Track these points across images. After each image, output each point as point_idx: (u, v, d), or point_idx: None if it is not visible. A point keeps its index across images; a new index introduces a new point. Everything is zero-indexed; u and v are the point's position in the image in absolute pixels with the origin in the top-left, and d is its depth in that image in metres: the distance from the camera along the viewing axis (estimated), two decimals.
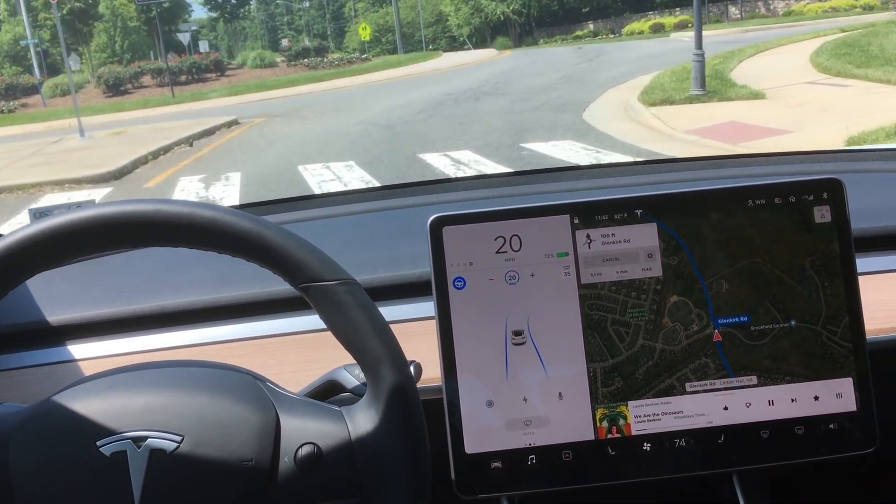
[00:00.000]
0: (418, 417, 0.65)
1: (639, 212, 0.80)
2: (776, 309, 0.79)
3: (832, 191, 0.80)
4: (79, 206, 0.65)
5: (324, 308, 0.64)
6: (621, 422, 0.79)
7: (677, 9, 39.65)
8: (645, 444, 0.79)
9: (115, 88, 25.09)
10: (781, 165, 1.39)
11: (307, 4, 73.46)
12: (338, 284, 0.64)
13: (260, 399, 0.66)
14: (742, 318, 0.80)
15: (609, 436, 0.79)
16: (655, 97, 10.56)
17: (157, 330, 0.95)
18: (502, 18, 43.19)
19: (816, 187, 0.80)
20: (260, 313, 0.96)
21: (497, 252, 0.80)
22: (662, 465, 0.78)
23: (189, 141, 11.63)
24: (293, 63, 28.59)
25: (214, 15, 50.78)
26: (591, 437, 0.79)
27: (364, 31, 38.51)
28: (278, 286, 0.90)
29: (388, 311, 0.69)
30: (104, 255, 1.07)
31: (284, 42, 32.26)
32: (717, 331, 0.79)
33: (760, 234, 0.79)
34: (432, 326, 0.79)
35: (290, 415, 0.66)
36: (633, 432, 0.79)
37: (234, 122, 13.56)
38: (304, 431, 0.65)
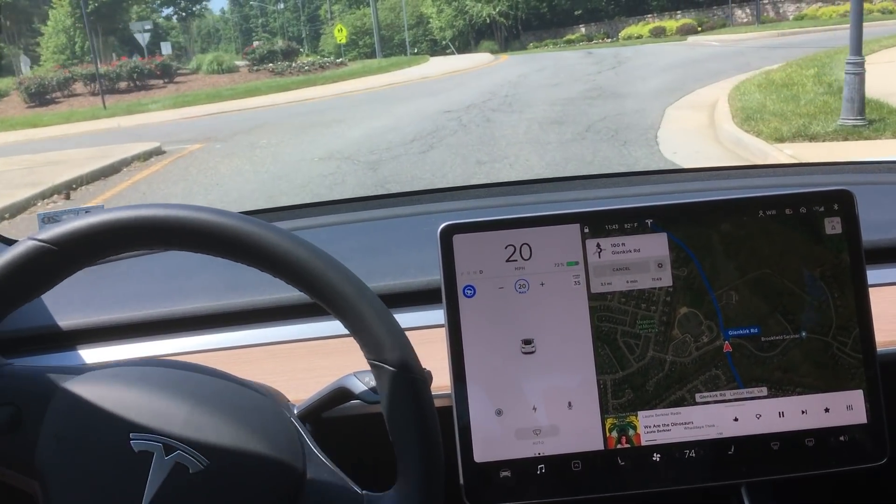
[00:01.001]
0: None
1: (649, 221, 0.80)
2: (786, 320, 0.80)
3: (843, 202, 0.81)
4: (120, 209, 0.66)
5: (385, 390, 0.64)
6: (631, 432, 0.79)
7: (678, 12, 38.40)
8: (655, 454, 0.79)
9: (39, 97, 20.37)
10: (791, 177, 1.41)
11: (282, 6, 68.78)
12: (408, 376, 0.64)
13: (293, 454, 0.67)
14: (752, 330, 0.81)
15: (619, 446, 0.79)
16: (775, 127, 7.37)
17: (167, 335, 0.95)
18: (488, 21, 39.07)
19: (827, 198, 0.81)
20: (269, 319, 0.97)
21: (507, 260, 0.80)
22: (672, 476, 0.79)
23: (67, 189, 8.12)
24: (256, 68, 23.77)
25: (168, 12, 45.62)
26: (601, 446, 0.79)
27: (340, 34, 35.61)
28: (287, 293, 0.90)
29: (398, 319, 0.70)
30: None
31: (257, 43, 27.20)
32: (727, 342, 0.80)
33: (770, 244, 0.80)
34: (441, 334, 0.80)
35: (315, 481, 0.66)
36: (643, 442, 0.79)
37: (156, 152, 10.29)
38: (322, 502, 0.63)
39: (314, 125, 11.22)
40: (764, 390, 0.80)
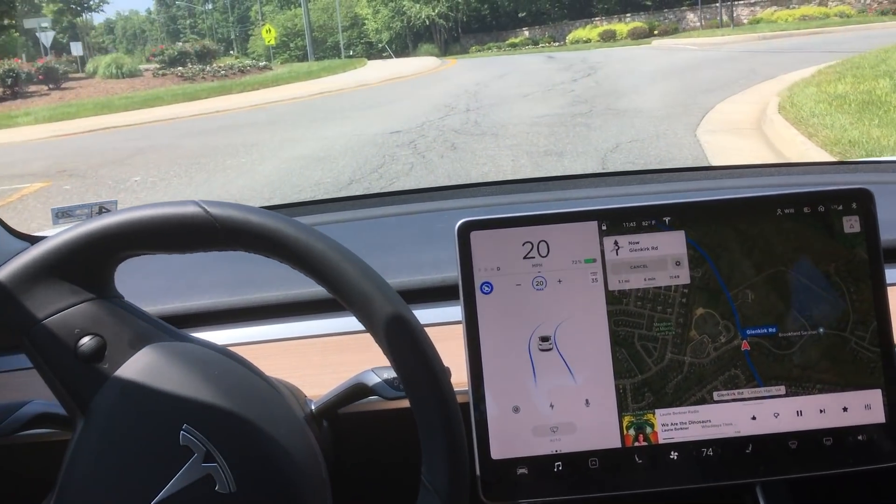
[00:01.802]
0: None
1: (667, 219, 0.81)
2: (803, 317, 0.81)
3: (861, 201, 0.81)
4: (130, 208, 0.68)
5: (425, 441, 0.64)
6: (648, 430, 0.80)
7: (626, 15, 37.32)
8: (672, 452, 0.80)
9: None
10: (808, 175, 1.42)
11: (210, 6, 64.60)
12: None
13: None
14: (769, 328, 0.81)
15: (636, 444, 0.80)
16: None
17: (184, 331, 0.92)
18: (426, 23, 35.58)
19: (845, 197, 0.82)
20: (284, 315, 0.97)
21: (525, 257, 0.81)
22: (689, 475, 0.80)
23: None
24: (163, 72, 19.89)
25: (57, 7, 41.28)
26: (618, 444, 0.80)
27: (268, 35, 33.32)
28: (302, 288, 0.92)
29: (417, 316, 0.71)
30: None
31: (183, 45, 23.20)
32: (745, 341, 0.80)
33: (783, 242, 0.81)
34: (458, 331, 0.80)
35: None
36: (661, 440, 0.80)
37: None
38: None
39: (215, 152, 8.37)
40: (782, 389, 0.80)
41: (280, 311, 0.98)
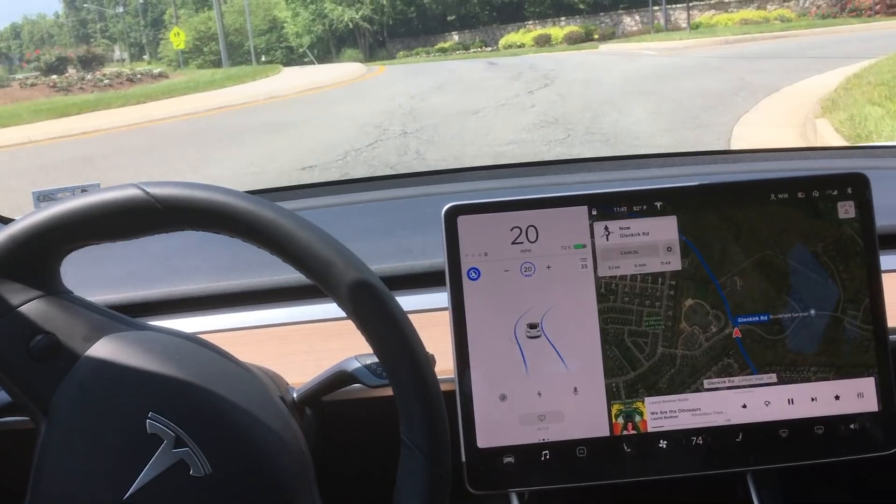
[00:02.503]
0: None
1: (658, 204, 0.80)
2: (793, 300, 0.80)
3: (856, 186, 0.81)
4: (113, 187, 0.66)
5: (404, 468, 0.64)
6: (637, 418, 0.80)
7: (561, 19, 35.66)
8: (661, 441, 0.80)
9: None
10: (802, 161, 1.39)
11: (121, 10, 60.40)
12: (435, 472, 0.64)
13: (293, 493, 0.67)
14: (760, 313, 0.80)
15: (625, 432, 0.80)
16: None
17: (164, 316, 0.95)
18: (350, 27, 32.59)
19: (840, 182, 0.81)
20: (269, 301, 0.96)
21: (513, 243, 0.80)
22: (678, 463, 0.80)
23: None
24: (32, 82, 16.50)
25: None
26: (607, 433, 0.80)
27: (177, 38, 29.44)
28: (287, 274, 0.91)
29: (401, 301, 0.71)
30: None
31: (65, 50, 19.50)
32: (736, 328, 0.80)
33: (769, 226, 0.80)
34: (445, 317, 0.79)
35: None
36: (650, 429, 0.80)
37: None
38: None
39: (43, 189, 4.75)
40: (773, 377, 0.80)
41: (264, 297, 0.97)
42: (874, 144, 1.54)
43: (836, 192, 0.81)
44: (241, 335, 0.92)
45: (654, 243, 0.80)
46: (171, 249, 1.12)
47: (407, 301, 0.85)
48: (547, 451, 0.79)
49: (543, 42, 30.03)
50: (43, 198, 0.93)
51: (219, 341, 0.79)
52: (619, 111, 8.48)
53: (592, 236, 0.80)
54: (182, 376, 0.66)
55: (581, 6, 33.19)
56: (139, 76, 19.30)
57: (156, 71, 20.51)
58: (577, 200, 0.80)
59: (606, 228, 0.80)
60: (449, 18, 36.24)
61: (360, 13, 36.46)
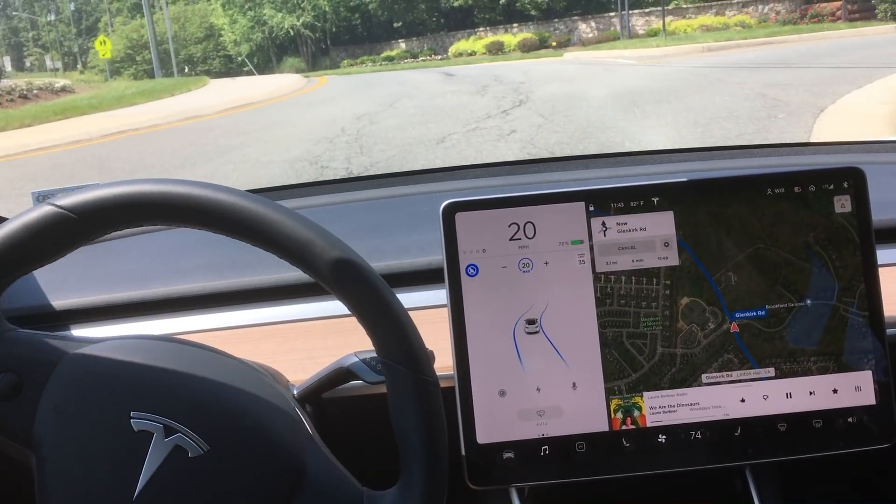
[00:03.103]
0: None
1: (655, 199, 0.81)
2: (789, 291, 0.81)
3: (853, 180, 0.82)
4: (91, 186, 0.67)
5: (393, 388, 0.65)
6: (636, 413, 0.81)
7: (513, 25, 33.99)
8: (660, 435, 0.81)
9: None
10: (799, 156, 1.39)
11: (53, 17, 57.04)
12: (419, 380, 0.64)
13: (295, 445, 0.67)
14: (757, 307, 0.81)
15: (623, 427, 0.81)
16: None
17: (163, 315, 0.95)
18: (291, 34, 30.01)
19: (837, 176, 0.82)
20: (268, 299, 0.96)
21: (511, 239, 0.80)
22: (677, 458, 0.81)
23: None
24: None
25: None
26: (606, 428, 0.81)
27: (103, 47, 29.61)
28: (286, 272, 0.92)
29: (400, 299, 0.72)
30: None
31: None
32: (733, 323, 0.81)
33: (759, 219, 0.81)
34: (444, 314, 0.80)
35: (315, 474, 0.66)
36: (649, 424, 0.81)
37: None
38: (320, 499, 0.66)
39: None
40: (772, 371, 0.81)
41: (264, 296, 0.97)
42: (870, 140, 1.40)
43: (832, 187, 0.82)
44: (241, 333, 0.93)
45: (652, 239, 0.81)
46: (167, 249, 1.12)
47: (406, 298, 0.85)
48: (546, 447, 0.80)
49: (496, 50, 28.59)
50: (42, 198, 0.89)
51: (218, 339, 0.80)
52: (630, 139, 6.46)
53: (590, 232, 0.81)
54: (151, 370, 0.66)
55: (533, 12, 31.32)
56: (36, 92, 16.38)
57: (58, 85, 17.60)
58: (574, 196, 0.81)
59: (604, 224, 0.81)
60: (395, 25, 34.44)
61: (301, 20, 34.21)
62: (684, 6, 29.23)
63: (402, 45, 34.14)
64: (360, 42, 35.71)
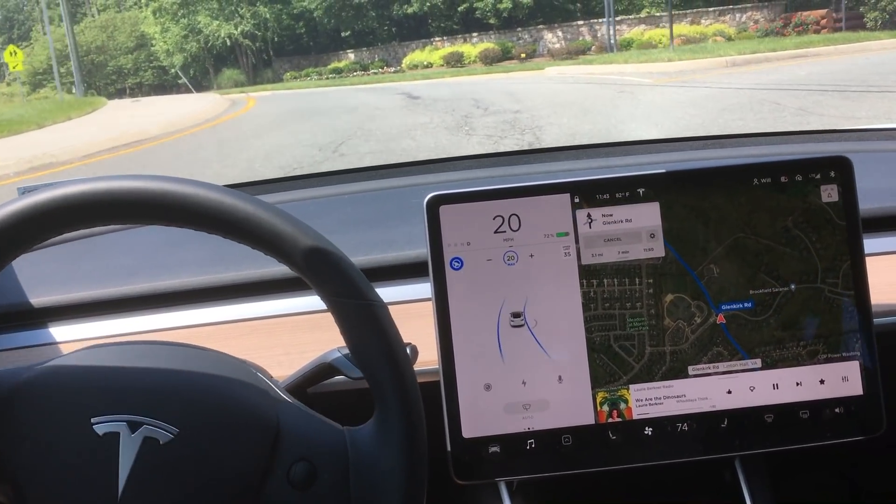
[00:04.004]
0: (422, 450, 0.66)
1: (641, 191, 0.82)
2: (772, 278, 0.82)
3: (840, 169, 0.83)
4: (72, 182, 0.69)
5: (345, 323, 0.65)
6: (622, 405, 0.81)
7: (473, 35, 30.82)
8: (646, 428, 0.81)
9: None
10: (786, 145, 1.36)
11: None
12: (365, 305, 0.64)
13: (261, 404, 0.68)
14: (742, 297, 0.82)
15: (610, 420, 0.81)
16: None
17: (147, 311, 0.95)
18: (228, 44, 26.07)
19: (824, 165, 0.83)
20: (252, 294, 0.96)
21: (495, 232, 0.81)
22: (664, 450, 0.82)
23: None
24: None
25: None
26: (592, 421, 0.81)
27: (13, 58, 24.74)
28: (271, 267, 0.93)
29: (384, 293, 0.73)
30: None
31: None
32: (720, 315, 0.82)
33: (736, 209, 0.82)
34: (429, 308, 0.81)
35: (291, 427, 0.67)
36: (635, 416, 0.81)
37: None
38: (301, 447, 0.66)
39: None
40: (758, 362, 0.82)
41: (249, 291, 0.97)
42: (858, 127, 1.36)
43: (818, 176, 0.82)
44: (226, 329, 0.93)
45: (637, 230, 0.81)
46: (151, 245, 1.12)
47: (391, 292, 0.89)
48: (532, 440, 0.80)
49: (454, 61, 26.04)
50: (28, 193, 0.90)
51: (203, 335, 0.82)
52: None
53: (575, 224, 0.81)
54: (103, 374, 0.66)
55: (492, 20, 28.04)
56: None
57: None
58: (559, 188, 0.81)
59: (589, 216, 0.81)
60: (343, 35, 31.59)
61: (239, 28, 30.87)
62: (657, 14, 26.40)
63: (351, 56, 31.88)
64: (306, 53, 33.61)
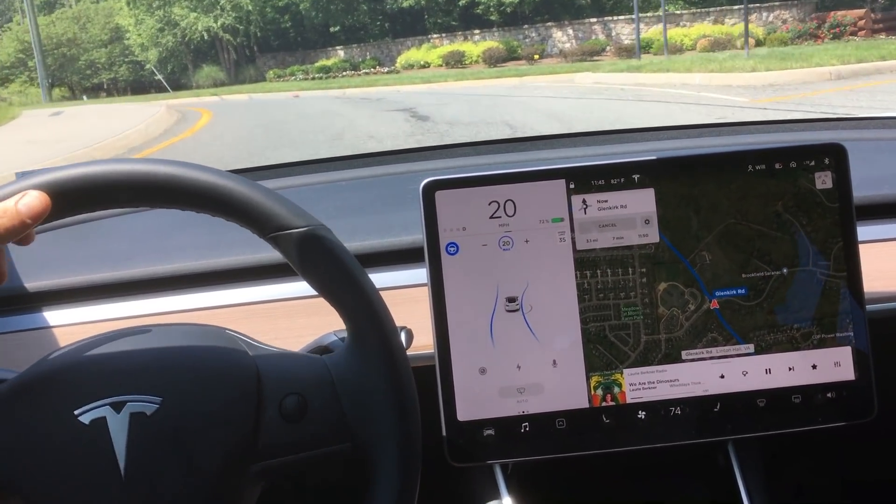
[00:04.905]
0: (401, 358, 0.67)
1: (636, 177, 0.82)
2: (764, 262, 0.83)
3: (834, 156, 0.83)
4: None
5: (295, 257, 0.65)
6: (616, 389, 0.83)
7: (475, 32, 27.48)
8: (640, 412, 0.83)
9: None
10: (782, 133, 1.34)
11: None
12: (307, 231, 0.64)
13: (237, 353, 0.69)
14: (735, 283, 0.83)
15: (603, 404, 0.83)
16: None
17: (143, 296, 0.95)
18: (206, 38, 22.78)
19: (818, 152, 0.83)
20: (250, 279, 0.96)
21: (491, 217, 0.82)
22: (657, 434, 0.83)
23: None
24: None
25: None
26: (586, 404, 0.83)
27: None
28: (268, 252, 0.93)
29: (381, 278, 0.76)
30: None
31: None
32: (713, 300, 0.83)
33: (727, 195, 0.84)
34: (425, 293, 0.82)
35: (271, 367, 0.68)
36: (628, 400, 0.83)
37: None
38: (286, 382, 0.67)
39: None
40: (751, 347, 0.84)
41: (248, 275, 0.97)
42: (852, 116, 1.52)
43: (813, 163, 0.83)
44: (223, 313, 0.93)
45: (632, 216, 0.82)
46: (150, 229, 1.13)
47: (387, 277, 0.89)
48: (527, 424, 0.82)
49: (455, 61, 23.05)
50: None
51: (199, 320, 0.84)
52: None
53: (570, 209, 0.82)
54: (71, 370, 0.66)
55: (493, 17, 25.06)
56: None
57: None
58: (554, 174, 0.82)
59: (584, 202, 0.82)
60: (332, 30, 28.64)
61: (219, 22, 27.55)
62: (677, 12, 23.54)
63: (341, 53, 29.77)
64: (293, 49, 30.85)
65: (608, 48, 24.81)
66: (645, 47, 23.96)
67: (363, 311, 0.64)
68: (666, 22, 22.38)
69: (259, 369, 0.66)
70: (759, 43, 21.86)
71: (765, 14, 25.17)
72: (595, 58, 23.12)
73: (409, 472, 0.65)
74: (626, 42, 25.08)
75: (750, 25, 23.35)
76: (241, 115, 13.80)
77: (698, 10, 25.65)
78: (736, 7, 25.36)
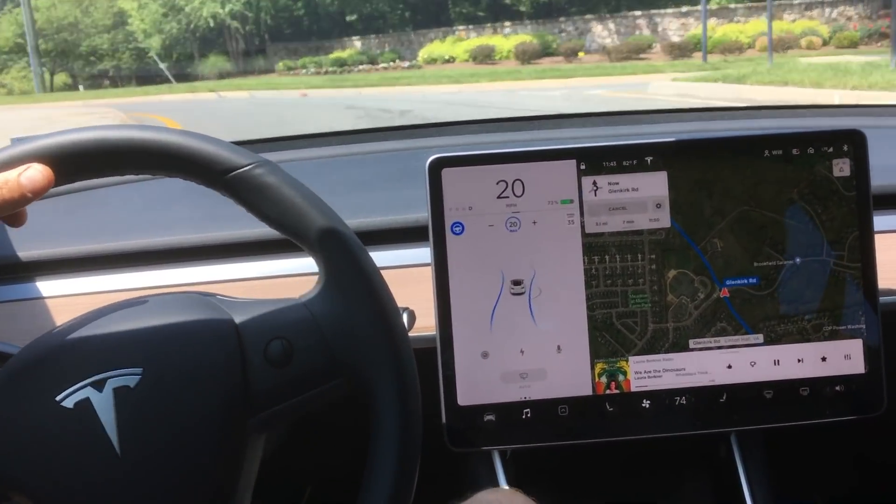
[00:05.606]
0: (377, 281, 0.66)
1: (649, 159, 0.81)
2: (777, 251, 0.82)
3: (853, 143, 0.82)
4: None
5: (250, 198, 0.63)
6: (620, 377, 0.83)
7: (505, 24, 24.56)
8: (644, 400, 0.83)
9: None
10: (797, 118, 1.34)
11: None
12: (254, 167, 0.62)
13: (210, 309, 0.68)
14: (746, 272, 0.83)
15: (608, 391, 0.83)
16: None
17: (139, 268, 0.95)
18: (212, 25, 19.87)
19: (837, 139, 0.82)
20: (248, 254, 0.96)
21: (498, 197, 0.81)
22: (661, 423, 0.84)
23: None
24: None
25: None
26: (589, 392, 0.83)
27: None
28: (267, 228, 0.99)
29: (383, 256, 0.74)
30: None
31: None
32: (723, 289, 0.83)
33: (741, 181, 0.83)
34: (428, 273, 0.83)
35: (248, 316, 0.67)
36: (633, 388, 0.83)
37: None
38: (267, 328, 0.66)
39: None
40: (760, 338, 0.83)
41: (247, 250, 0.97)
42: (871, 104, 1.57)
43: (831, 150, 0.82)
44: (218, 288, 0.92)
45: (644, 200, 0.81)
46: (148, 201, 1.12)
47: (390, 256, 0.88)
48: (528, 410, 0.82)
49: (483, 56, 21.77)
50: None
51: None
52: None
53: (580, 191, 0.81)
54: (42, 359, 0.64)
55: (522, 8, 22.53)
56: None
57: None
58: (565, 154, 0.81)
59: (595, 183, 0.80)
60: (349, 19, 25.82)
61: (226, 8, 25.22)
62: (731, 6, 20.92)
63: (358, 45, 27.68)
64: (306, 37, 28.32)
65: (656, 45, 22.44)
66: (695, 45, 21.47)
67: (332, 241, 0.62)
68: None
69: (236, 320, 0.65)
70: (824, 43, 19.33)
71: (828, 10, 22.79)
72: (641, 56, 20.74)
73: (408, 396, 0.63)
74: (674, 38, 22.59)
75: (813, 22, 20.81)
76: (216, 128, 9.95)
77: (753, 4, 23.11)
78: (796, 1, 22.77)
